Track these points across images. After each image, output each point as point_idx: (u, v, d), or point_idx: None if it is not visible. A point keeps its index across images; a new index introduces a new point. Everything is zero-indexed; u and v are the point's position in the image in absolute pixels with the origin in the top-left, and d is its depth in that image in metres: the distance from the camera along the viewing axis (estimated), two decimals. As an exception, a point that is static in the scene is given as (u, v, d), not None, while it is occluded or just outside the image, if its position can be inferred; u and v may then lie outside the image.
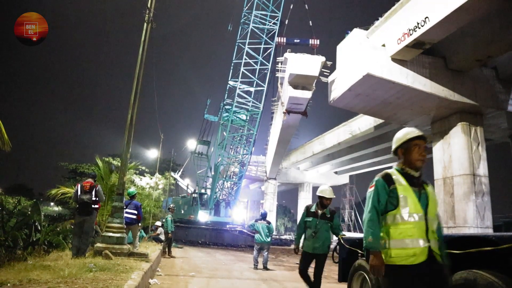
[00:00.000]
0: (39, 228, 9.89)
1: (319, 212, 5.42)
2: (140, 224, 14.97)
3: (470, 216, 14.43)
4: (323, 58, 19.88)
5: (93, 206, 7.62)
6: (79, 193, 7.58)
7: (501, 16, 12.80)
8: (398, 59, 14.39)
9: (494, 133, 18.46)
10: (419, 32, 12.65)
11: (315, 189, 49.80)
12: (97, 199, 7.67)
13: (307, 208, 5.58)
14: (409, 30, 13.08)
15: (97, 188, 7.71)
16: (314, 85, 20.86)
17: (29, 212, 10.91)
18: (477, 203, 14.58)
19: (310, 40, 26.50)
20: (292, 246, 36.84)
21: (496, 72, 15.93)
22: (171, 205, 16.02)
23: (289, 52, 20.86)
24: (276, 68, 21.86)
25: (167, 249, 13.03)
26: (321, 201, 5.48)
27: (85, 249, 7.37)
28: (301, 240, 5.58)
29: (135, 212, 9.71)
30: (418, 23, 12.61)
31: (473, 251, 2.48)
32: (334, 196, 5.56)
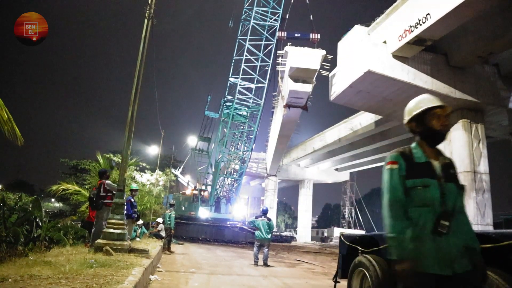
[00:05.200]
0: (40, 224, 9.92)
1: (437, 164, 1.98)
2: (140, 221, 15.00)
3: (470, 213, 14.45)
4: (323, 52, 19.85)
5: (102, 200, 8.07)
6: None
7: (503, 13, 12.76)
8: (399, 55, 14.36)
9: (495, 131, 18.44)
10: (420, 28, 12.61)
11: (315, 185, 49.70)
12: (105, 194, 8.10)
13: (404, 156, 2.00)
14: (410, 26, 13.03)
15: (104, 184, 8.17)
16: (314, 78, 20.84)
17: (30, 208, 10.92)
18: (478, 200, 14.60)
19: (311, 34, 26.43)
20: (294, 243, 36.25)
21: (497, 69, 15.89)
22: (172, 201, 16.17)
23: (289, 45, 20.82)
24: (277, 62, 21.83)
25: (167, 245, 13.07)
26: (431, 130, 2.00)
27: (92, 241, 7.56)
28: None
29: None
30: (419, 20, 12.57)
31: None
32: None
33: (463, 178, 14.95)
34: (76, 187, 13.24)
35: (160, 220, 16.38)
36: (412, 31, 13.04)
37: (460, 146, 15.35)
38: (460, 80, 15.04)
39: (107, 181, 8.27)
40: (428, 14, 12.19)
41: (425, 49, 14.29)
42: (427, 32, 12.65)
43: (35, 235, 9.55)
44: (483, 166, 15.23)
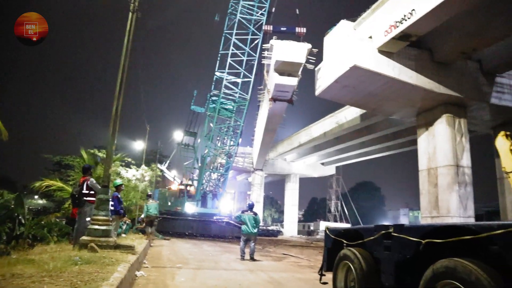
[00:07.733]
0: (23, 221, 9.73)
1: None
2: (125, 216, 14.89)
3: (453, 206, 14.75)
4: (309, 45, 19.86)
5: (84, 198, 8.03)
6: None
7: (486, 10, 12.95)
8: (385, 51, 14.47)
9: (477, 125, 18.80)
10: (405, 24, 12.72)
11: (302, 180, 49.97)
12: (88, 191, 8.03)
13: None
14: (396, 22, 13.14)
15: (88, 182, 8.08)
16: (300, 72, 20.86)
17: (12, 206, 10.70)
18: (460, 193, 14.90)
19: (297, 28, 26.29)
20: (281, 237, 36.53)
21: (480, 65, 16.17)
22: (150, 192, 17.00)
23: (275, 39, 20.76)
24: (263, 56, 21.75)
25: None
26: None
27: (75, 238, 7.56)
28: None
29: (112, 203, 9.59)
30: (405, 15, 12.68)
31: (453, 240, 2.54)
32: None
33: (446, 172, 15.24)
34: (59, 184, 13.05)
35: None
36: (397, 27, 13.15)
37: (444, 140, 15.61)
38: (444, 75, 15.26)
39: (91, 179, 8.17)
40: (413, 10, 12.30)
41: (410, 44, 14.43)
42: (412, 27, 12.78)
43: (18, 233, 9.36)
44: (466, 160, 15.54)
